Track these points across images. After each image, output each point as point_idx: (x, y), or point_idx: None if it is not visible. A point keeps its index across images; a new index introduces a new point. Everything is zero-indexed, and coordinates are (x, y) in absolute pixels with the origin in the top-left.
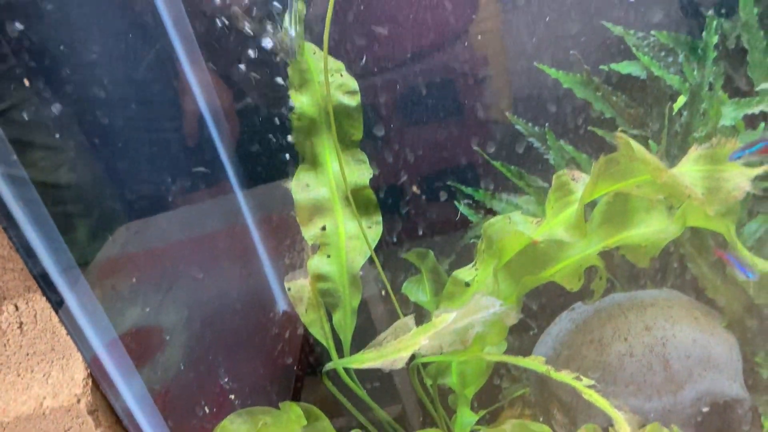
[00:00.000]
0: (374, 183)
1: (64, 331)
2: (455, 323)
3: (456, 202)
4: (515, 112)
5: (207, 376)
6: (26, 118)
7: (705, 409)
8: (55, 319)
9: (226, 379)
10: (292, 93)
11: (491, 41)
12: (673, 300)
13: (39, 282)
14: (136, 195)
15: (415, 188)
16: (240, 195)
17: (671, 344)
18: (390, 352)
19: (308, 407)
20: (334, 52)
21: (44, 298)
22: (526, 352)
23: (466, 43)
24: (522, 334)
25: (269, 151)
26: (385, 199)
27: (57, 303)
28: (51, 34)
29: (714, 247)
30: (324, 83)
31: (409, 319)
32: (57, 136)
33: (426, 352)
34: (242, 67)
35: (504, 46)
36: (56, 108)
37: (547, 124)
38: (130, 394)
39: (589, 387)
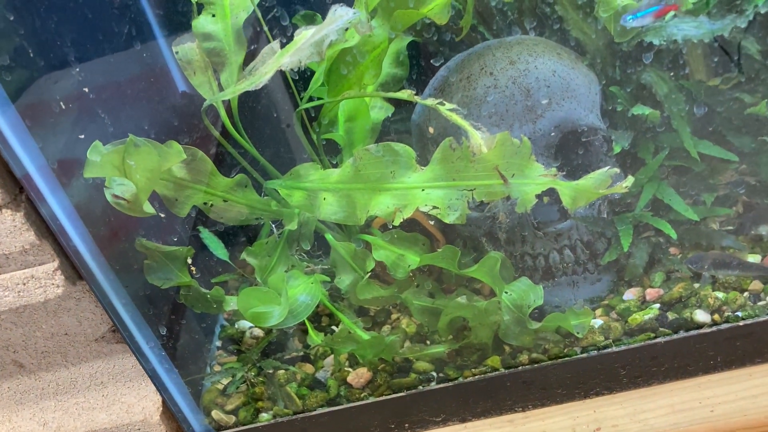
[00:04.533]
0: None
1: None
2: (313, 37)
3: None
4: None
5: None
6: None
7: (563, 137)
8: None
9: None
10: None
11: None
12: (539, 40)
13: None
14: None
15: None
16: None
17: (532, 75)
18: (258, 77)
19: (193, 149)
20: None
21: None
22: None
23: None
24: None
25: None
26: None
27: None
28: None
29: None
30: None
31: (275, 44)
32: None
33: (286, 67)
34: None
35: None
36: None
37: None
38: None
39: (451, 110)
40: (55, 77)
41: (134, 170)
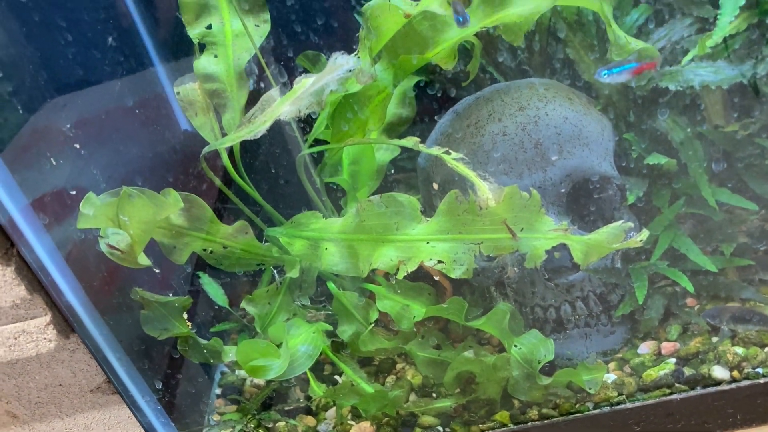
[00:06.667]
0: None
1: None
2: (313, 86)
3: (355, 13)
4: None
5: None
6: None
7: (574, 186)
8: None
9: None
10: None
11: None
12: (549, 84)
13: None
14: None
15: None
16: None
17: (543, 122)
18: (257, 125)
19: (192, 196)
20: None
21: None
22: None
23: None
24: None
25: None
26: None
27: None
28: None
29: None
30: None
31: (274, 91)
32: None
33: (285, 117)
34: None
35: None
36: None
37: None
38: None
39: (457, 160)
40: (44, 118)
41: (129, 222)
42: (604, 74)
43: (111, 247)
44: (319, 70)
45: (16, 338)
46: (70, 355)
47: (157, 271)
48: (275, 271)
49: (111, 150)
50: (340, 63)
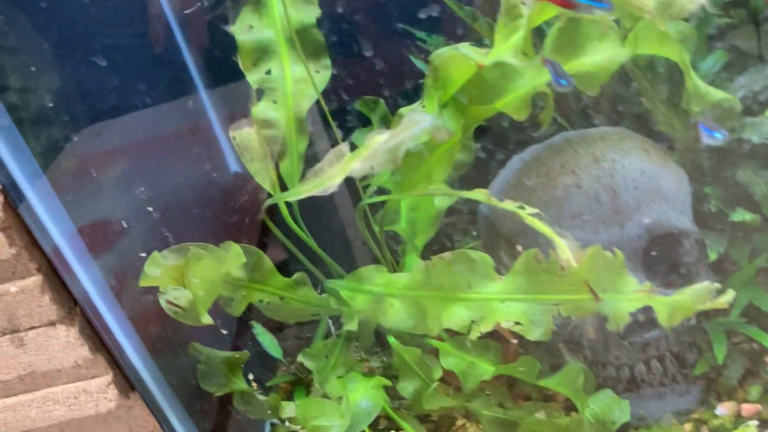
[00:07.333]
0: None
1: None
2: (387, 143)
3: (411, 56)
4: None
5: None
6: None
7: (651, 241)
8: None
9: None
10: None
11: None
12: (624, 134)
13: None
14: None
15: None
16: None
17: (620, 175)
18: (325, 180)
19: (251, 248)
20: None
21: None
22: None
23: None
24: None
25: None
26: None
27: None
28: None
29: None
30: None
31: (344, 146)
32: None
33: (357, 174)
34: None
35: None
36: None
37: None
38: (45, 210)
39: (533, 215)
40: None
41: (198, 283)
42: (711, 134)
43: (171, 303)
44: (378, 116)
45: (76, 398)
46: (127, 411)
47: (224, 332)
48: (330, 322)
49: (169, 196)
50: (416, 120)
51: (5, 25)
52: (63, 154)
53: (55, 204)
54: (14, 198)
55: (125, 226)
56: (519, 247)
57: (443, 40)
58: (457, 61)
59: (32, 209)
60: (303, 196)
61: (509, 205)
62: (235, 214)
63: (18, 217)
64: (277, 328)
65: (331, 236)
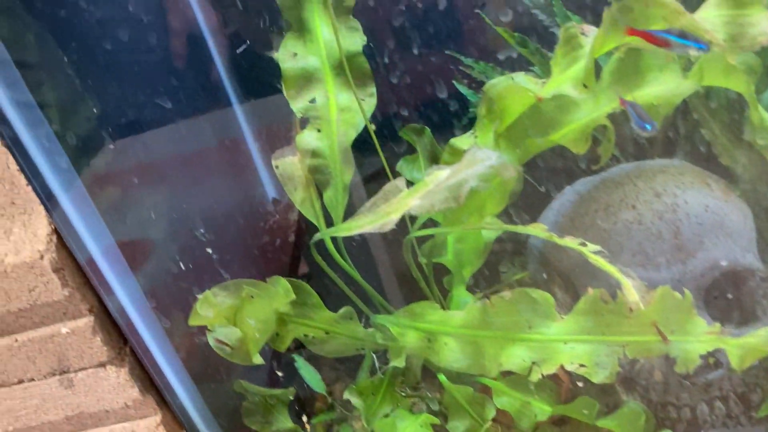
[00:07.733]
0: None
1: (24, 182)
2: (448, 180)
3: (454, 82)
4: None
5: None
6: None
7: (716, 279)
8: (14, 167)
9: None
10: None
11: None
12: (684, 167)
13: None
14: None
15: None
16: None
17: (682, 211)
18: (380, 216)
19: (298, 282)
20: None
21: None
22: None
23: None
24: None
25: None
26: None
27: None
28: None
29: (619, 96)
30: None
31: (400, 181)
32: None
33: (417, 212)
34: None
35: None
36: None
37: None
38: (99, 252)
39: (596, 253)
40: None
41: (254, 324)
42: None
43: (220, 342)
44: (424, 144)
45: None
46: None
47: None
48: (374, 357)
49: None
50: (480, 157)
51: (54, 50)
52: (112, 189)
53: (108, 243)
54: (68, 239)
55: (176, 262)
56: (589, 289)
57: (491, 67)
58: (513, 92)
59: (86, 249)
60: (356, 232)
61: (571, 242)
62: (266, 235)
63: (71, 257)
64: (311, 356)
65: (369, 267)
